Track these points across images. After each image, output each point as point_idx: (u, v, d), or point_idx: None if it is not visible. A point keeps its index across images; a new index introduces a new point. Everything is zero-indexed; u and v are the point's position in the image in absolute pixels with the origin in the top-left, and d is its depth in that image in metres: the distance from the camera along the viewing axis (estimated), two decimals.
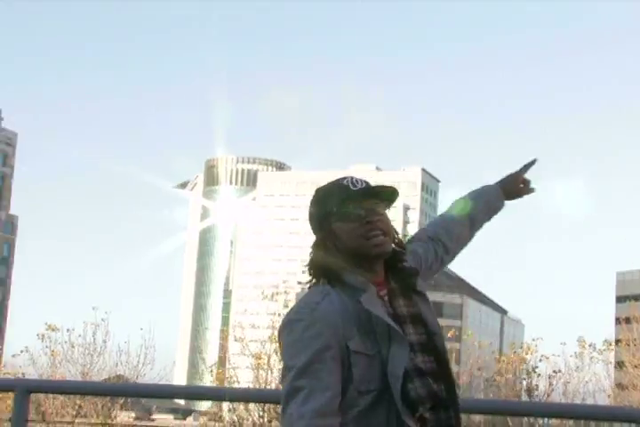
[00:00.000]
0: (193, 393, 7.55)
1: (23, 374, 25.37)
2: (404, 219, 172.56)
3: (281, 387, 3.06)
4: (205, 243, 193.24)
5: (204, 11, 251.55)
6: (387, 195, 3.24)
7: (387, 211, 3.25)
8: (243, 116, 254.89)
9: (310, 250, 3.23)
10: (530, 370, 25.24)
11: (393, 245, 3.22)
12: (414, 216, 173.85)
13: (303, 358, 2.98)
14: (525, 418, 23.51)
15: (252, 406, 22.58)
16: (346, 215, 3.17)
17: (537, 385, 24.65)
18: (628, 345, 30.32)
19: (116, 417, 24.99)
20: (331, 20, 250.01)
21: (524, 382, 25.23)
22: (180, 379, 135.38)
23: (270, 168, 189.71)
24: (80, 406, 25.00)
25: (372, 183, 3.28)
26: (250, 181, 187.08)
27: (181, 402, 71.98)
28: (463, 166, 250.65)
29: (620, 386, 30.50)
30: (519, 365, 25.43)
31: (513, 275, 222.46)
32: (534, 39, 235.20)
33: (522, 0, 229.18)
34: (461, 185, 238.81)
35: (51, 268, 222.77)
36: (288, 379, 2.99)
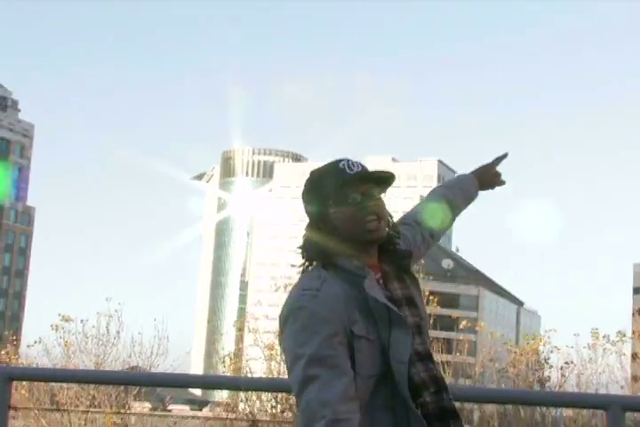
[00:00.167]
0: (209, 382, 7.49)
1: (37, 364, 25.48)
2: None
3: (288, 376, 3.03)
4: (222, 234, 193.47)
5: (219, 2, 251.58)
6: (383, 179, 3.22)
7: (382, 195, 3.24)
8: (259, 108, 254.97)
9: (304, 232, 3.24)
10: (542, 361, 25.17)
11: (387, 230, 3.21)
12: None
13: (313, 345, 2.94)
14: (538, 409, 23.52)
15: (264, 397, 22.64)
16: (342, 199, 3.15)
17: (549, 377, 24.58)
18: None
19: (129, 408, 25.06)
20: (346, 12, 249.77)
21: (536, 374, 25.14)
22: (196, 370, 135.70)
23: (286, 160, 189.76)
24: (94, 397, 25.11)
25: (367, 168, 3.25)
26: (266, 172, 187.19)
27: (197, 393, 72.17)
28: (480, 158, 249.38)
29: (635, 378, 30.41)
30: (531, 356, 25.33)
31: (529, 266, 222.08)
32: (555, 31, 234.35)
33: None
34: None
35: (67, 259, 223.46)
36: (299, 368, 2.95)
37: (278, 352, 24.63)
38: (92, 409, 24.51)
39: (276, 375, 24.16)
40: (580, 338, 27.00)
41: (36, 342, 26.26)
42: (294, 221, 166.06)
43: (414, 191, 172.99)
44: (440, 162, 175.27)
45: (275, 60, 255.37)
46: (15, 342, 27.81)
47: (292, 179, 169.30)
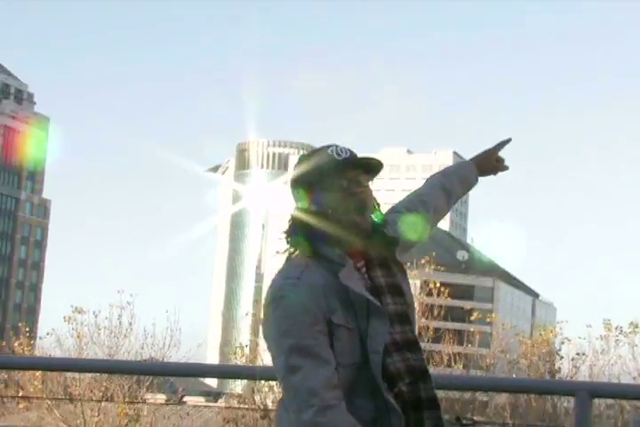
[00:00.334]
0: (221, 372, 7.31)
1: (50, 355, 25.58)
2: None
3: (273, 365, 3.05)
4: (237, 227, 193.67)
5: None
6: (371, 166, 3.20)
7: (370, 183, 3.22)
8: (274, 100, 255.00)
9: (289, 217, 3.22)
10: (553, 352, 25.18)
11: (374, 217, 3.21)
12: None
13: (295, 335, 2.98)
14: (549, 400, 23.52)
15: (276, 388, 22.72)
16: (328, 185, 3.14)
17: (560, 368, 24.61)
18: None
19: (145, 400, 25.15)
20: (361, 3, 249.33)
21: (547, 365, 25.15)
22: (212, 362, 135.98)
23: (302, 152, 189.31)
24: (106, 388, 25.21)
25: (356, 154, 3.23)
26: (281, 164, 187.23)
27: (213, 385, 72.35)
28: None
29: None
30: (543, 347, 25.34)
31: (545, 258, 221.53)
32: (570, 23, 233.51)
33: None
34: None
35: (82, 252, 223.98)
36: (282, 358, 2.99)
37: None
38: (104, 402, 24.69)
39: None
40: (593, 329, 27.03)
41: (48, 334, 26.49)
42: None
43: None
44: (455, 153, 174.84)
45: (290, 52, 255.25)
46: (28, 334, 27.94)
47: None
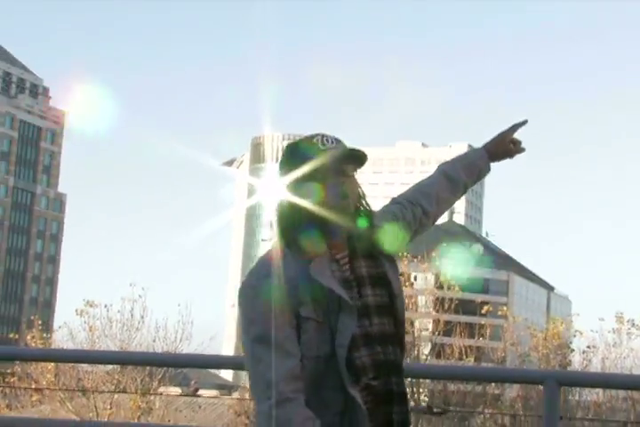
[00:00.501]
0: (233, 363, 6.84)
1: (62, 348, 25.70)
2: None
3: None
4: (252, 220, 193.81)
5: None
6: (355, 157, 3.19)
7: (355, 173, 3.21)
8: (289, 94, 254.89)
9: (276, 205, 3.21)
10: (564, 345, 25.17)
11: (361, 207, 3.20)
12: None
13: (260, 325, 3.01)
14: (562, 391, 23.52)
15: None
16: (311, 175, 3.13)
17: (570, 361, 24.60)
18: None
19: (162, 393, 25.22)
20: None
21: (558, 358, 25.15)
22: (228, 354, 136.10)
23: None
24: (119, 381, 25.35)
25: (343, 144, 3.21)
26: None
27: (228, 378, 72.46)
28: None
29: None
30: (555, 340, 25.33)
31: (560, 251, 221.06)
32: (590, 15, 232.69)
33: None
34: (508, 161, 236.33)
35: (97, 245, 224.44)
36: (249, 346, 3.03)
37: None
38: (116, 395, 24.82)
39: None
40: (605, 323, 27.02)
41: (60, 327, 26.64)
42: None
43: None
44: (470, 146, 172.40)
45: (304, 46, 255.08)
46: (41, 327, 28.07)
47: None
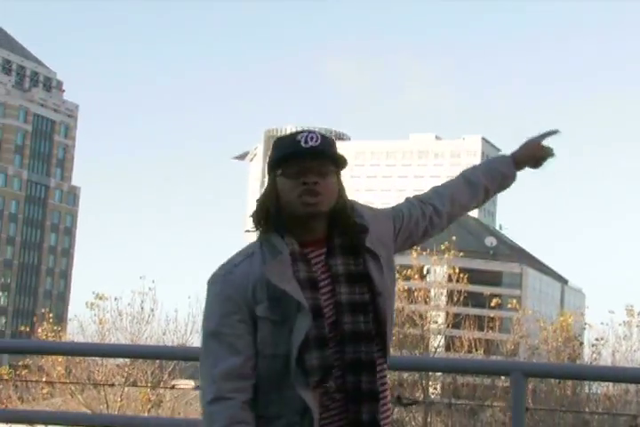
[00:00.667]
0: None
1: (72, 341, 25.83)
2: None
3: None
4: None
5: None
6: (335, 158, 3.17)
7: (335, 174, 3.16)
8: (304, 87, 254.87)
9: (258, 197, 3.22)
10: (573, 338, 25.15)
11: (341, 206, 3.16)
12: None
13: (213, 321, 3.07)
14: (570, 385, 23.51)
15: None
16: (287, 171, 3.13)
17: (579, 353, 24.58)
18: None
19: (173, 387, 25.26)
20: None
21: (567, 351, 25.14)
22: None
23: None
24: (129, 374, 25.43)
25: (328, 143, 3.17)
26: None
27: None
28: (525, 135, 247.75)
29: None
30: (564, 333, 25.31)
31: (574, 244, 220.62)
32: (607, 8, 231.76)
33: None
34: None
35: (110, 238, 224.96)
36: (203, 340, 3.11)
37: None
38: (126, 387, 24.89)
39: None
40: (616, 315, 27.01)
41: (70, 320, 26.73)
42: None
43: (458, 169, 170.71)
44: (484, 139, 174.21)
45: (317, 39, 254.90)
46: (52, 320, 28.15)
47: None
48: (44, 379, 25.48)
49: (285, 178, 3.13)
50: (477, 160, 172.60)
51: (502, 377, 24.39)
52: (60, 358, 24.57)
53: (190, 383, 29.91)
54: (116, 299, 26.20)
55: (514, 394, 4.48)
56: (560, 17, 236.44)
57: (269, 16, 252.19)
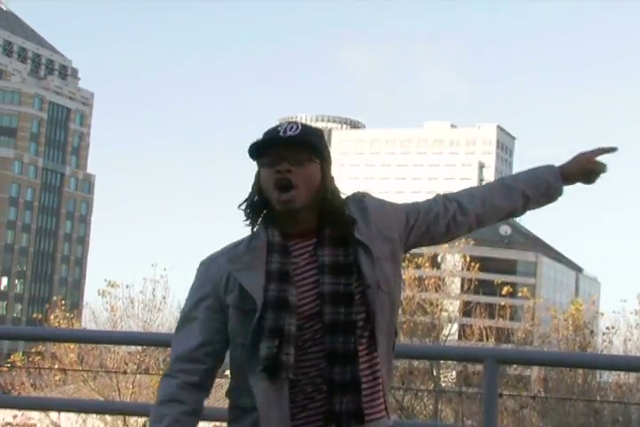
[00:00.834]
0: None
1: (85, 328, 25.93)
2: (479, 177, 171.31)
3: None
4: None
5: None
6: (313, 147, 3.14)
7: (316, 164, 3.14)
8: (319, 75, 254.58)
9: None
10: (583, 327, 25.12)
11: (328, 196, 3.14)
12: (489, 174, 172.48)
13: (187, 306, 3.19)
14: (580, 374, 23.47)
15: None
16: (263, 161, 3.14)
17: (590, 342, 24.55)
18: None
19: None
20: None
21: (577, 339, 25.11)
22: None
23: (344, 126, 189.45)
24: (141, 361, 25.50)
25: (309, 133, 3.15)
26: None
27: None
28: (540, 123, 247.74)
29: None
30: (575, 321, 25.28)
31: (589, 232, 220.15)
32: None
33: None
34: (538, 142, 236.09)
35: (126, 226, 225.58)
36: (179, 320, 3.24)
37: None
38: (138, 375, 24.97)
39: None
40: (628, 304, 26.92)
41: (85, 307, 26.82)
42: (352, 189, 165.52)
43: (473, 157, 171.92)
44: (499, 127, 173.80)
45: (331, 27, 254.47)
46: (64, 307, 28.25)
47: (350, 146, 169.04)
48: (56, 366, 25.58)
49: (263, 168, 3.14)
50: (492, 149, 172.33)
51: (514, 365, 24.55)
52: (72, 346, 24.66)
53: None
54: (127, 286, 26.30)
55: (486, 380, 4.53)
56: (576, 4, 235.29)
57: (284, 4, 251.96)
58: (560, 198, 3.50)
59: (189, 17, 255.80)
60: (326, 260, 3.10)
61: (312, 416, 3.05)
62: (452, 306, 28.48)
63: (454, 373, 26.05)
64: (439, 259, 32.57)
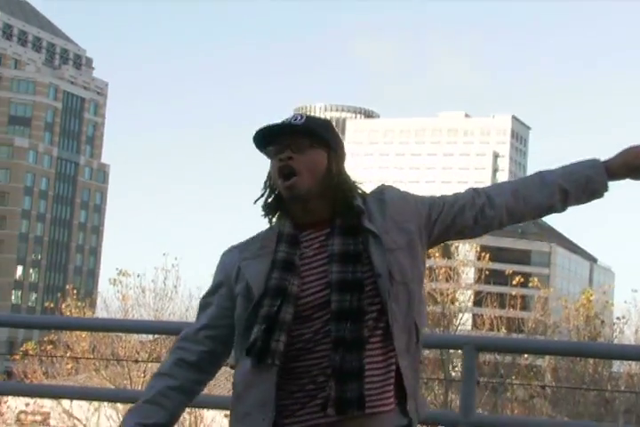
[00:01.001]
0: None
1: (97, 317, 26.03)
2: (494, 166, 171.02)
3: None
4: None
5: None
6: (316, 134, 3.14)
7: (321, 151, 3.15)
8: (331, 64, 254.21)
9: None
10: (596, 316, 25.11)
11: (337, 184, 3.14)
12: (504, 164, 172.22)
13: (205, 292, 3.26)
14: (591, 364, 23.49)
15: None
16: (269, 151, 3.18)
17: (600, 331, 24.54)
18: None
19: None
20: None
21: (587, 329, 25.11)
22: None
23: (359, 116, 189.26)
24: (153, 350, 25.59)
25: (314, 123, 3.17)
26: (338, 129, 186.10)
27: None
28: (555, 113, 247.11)
29: None
30: (586, 311, 25.26)
31: (604, 223, 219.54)
32: None
33: None
34: (553, 132, 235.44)
35: (140, 215, 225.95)
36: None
37: None
38: (150, 363, 25.07)
39: None
40: (639, 294, 26.90)
41: (93, 296, 26.91)
42: (366, 179, 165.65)
43: (487, 147, 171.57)
44: (514, 117, 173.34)
45: (347, 16, 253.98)
46: (75, 296, 28.35)
47: (364, 135, 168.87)
48: (68, 354, 25.69)
49: (270, 158, 3.18)
50: (507, 138, 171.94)
51: (525, 355, 24.58)
52: (83, 335, 24.75)
53: None
54: (139, 275, 26.36)
55: (465, 367, 4.56)
56: None
57: None
58: (606, 194, 3.34)
59: (204, 6, 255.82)
60: (336, 249, 3.10)
61: (320, 405, 3.04)
62: (463, 296, 28.48)
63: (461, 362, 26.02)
64: (452, 249, 32.60)
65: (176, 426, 3.28)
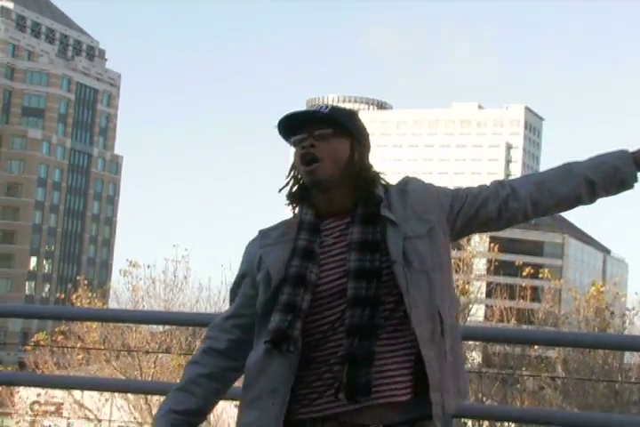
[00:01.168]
0: None
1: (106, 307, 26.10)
2: (507, 158, 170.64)
3: None
4: None
5: None
6: (338, 123, 3.17)
7: (344, 139, 3.18)
8: (344, 55, 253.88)
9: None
10: (604, 308, 25.07)
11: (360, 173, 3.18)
12: (517, 155, 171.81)
13: (233, 282, 3.33)
14: (601, 356, 23.46)
15: None
16: (293, 140, 3.22)
17: (610, 322, 24.50)
18: None
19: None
20: None
21: (597, 320, 25.08)
22: None
23: (371, 107, 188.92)
24: (163, 341, 25.65)
25: (337, 112, 3.19)
26: None
27: None
28: (568, 104, 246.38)
29: None
30: (596, 303, 25.22)
31: (617, 214, 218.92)
32: None
33: None
34: (566, 123, 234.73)
35: (153, 206, 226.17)
36: None
37: None
38: (160, 354, 25.14)
39: None
40: None
41: (104, 287, 26.97)
42: (380, 170, 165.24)
43: (501, 138, 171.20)
44: (527, 108, 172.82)
45: (360, 7, 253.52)
46: (86, 287, 28.44)
47: (377, 127, 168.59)
48: (79, 345, 25.79)
49: (294, 146, 3.22)
50: (520, 129, 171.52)
51: (535, 346, 24.58)
52: (94, 325, 24.84)
53: None
54: (149, 266, 26.40)
55: None
56: None
57: None
58: (636, 185, 3.29)
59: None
60: (355, 237, 3.12)
61: (316, 387, 3.08)
62: (474, 287, 28.49)
63: (474, 353, 26.07)
64: (464, 239, 32.63)
65: None
